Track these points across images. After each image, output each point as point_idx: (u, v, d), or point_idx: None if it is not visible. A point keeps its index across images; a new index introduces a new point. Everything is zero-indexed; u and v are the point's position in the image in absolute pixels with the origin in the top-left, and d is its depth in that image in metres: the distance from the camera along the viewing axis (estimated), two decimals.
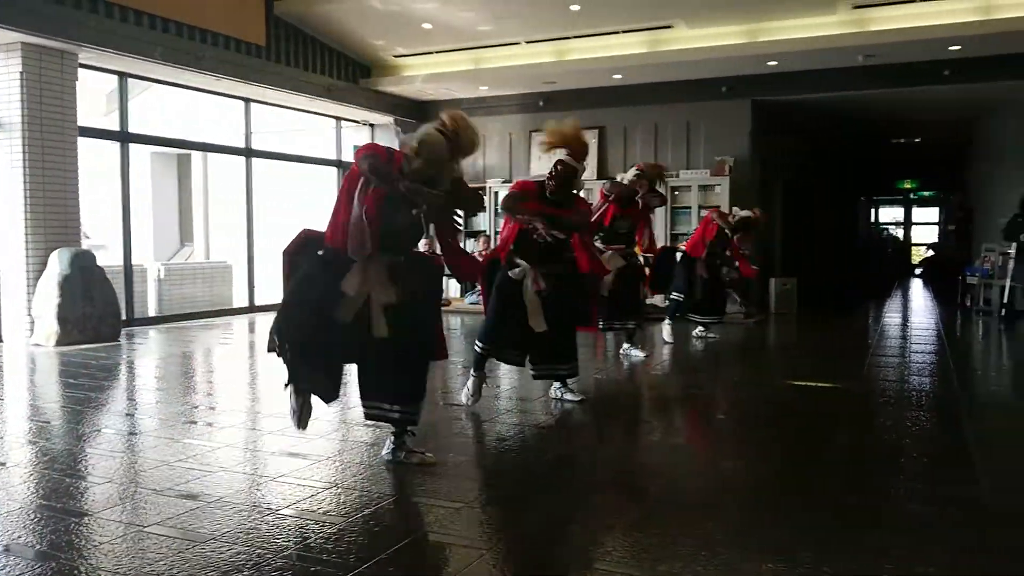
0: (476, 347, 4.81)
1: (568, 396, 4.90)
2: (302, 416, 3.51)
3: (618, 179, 6.59)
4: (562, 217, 4.62)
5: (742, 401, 5.16)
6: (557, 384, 4.95)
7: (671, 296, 7.74)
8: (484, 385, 4.83)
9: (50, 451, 3.92)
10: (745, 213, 8.08)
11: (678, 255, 7.93)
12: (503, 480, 3.46)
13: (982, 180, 12.17)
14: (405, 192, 3.30)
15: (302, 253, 3.52)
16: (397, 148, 3.51)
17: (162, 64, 8.52)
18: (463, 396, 4.80)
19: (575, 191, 4.81)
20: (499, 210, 4.83)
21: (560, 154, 4.67)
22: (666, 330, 7.66)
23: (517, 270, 4.69)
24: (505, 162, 12.10)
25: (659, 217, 10.87)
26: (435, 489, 3.33)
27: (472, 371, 4.81)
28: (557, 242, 4.62)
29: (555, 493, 3.30)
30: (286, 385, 3.49)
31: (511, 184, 5.10)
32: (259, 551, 2.65)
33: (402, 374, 3.53)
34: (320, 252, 3.49)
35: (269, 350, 3.47)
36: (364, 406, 3.61)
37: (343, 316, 3.42)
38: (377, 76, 11.41)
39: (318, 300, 3.39)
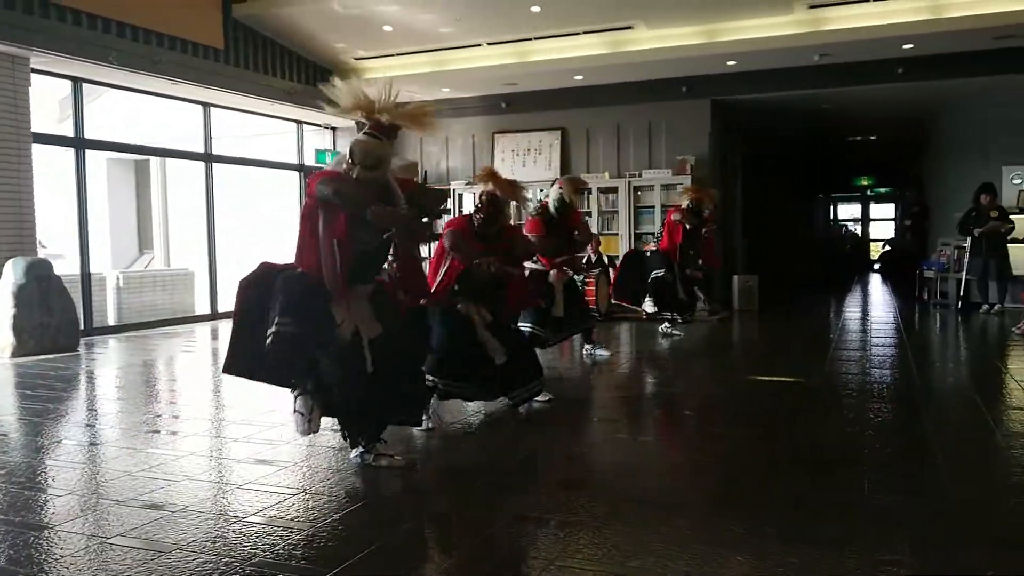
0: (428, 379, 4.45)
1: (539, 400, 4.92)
2: (312, 420, 3.46)
3: (543, 198, 6.52)
4: (508, 252, 4.61)
5: (708, 397, 5.21)
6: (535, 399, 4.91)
7: (653, 275, 7.73)
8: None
9: (7, 464, 3.82)
10: (685, 203, 7.91)
11: (648, 253, 7.93)
12: (471, 481, 3.45)
13: (936, 176, 12.43)
14: (373, 218, 3.26)
15: (258, 286, 3.44)
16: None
17: (117, 68, 8.37)
18: (430, 422, 4.42)
19: (503, 224, 4.74)
20: (448, 249, 4.63)
21: (488, 186, 4.61)
22: (649, 307, 7.70)
23: (461, 307, 4.54)
24: (468, 164, 12.09)
25: (622, 217, 10.96)
26: (403, 494, 3.32)
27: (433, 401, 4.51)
28: (499, 275, 4.57)
29: (523, 493, 3.30)
30: (295, 390, 3.47)
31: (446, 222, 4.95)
32: (226, 559, 2.61)
33: (400, 392, 3.60)
34: (291, 276, 3.41)
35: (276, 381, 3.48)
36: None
37: (341, 340, 3.45)
38: (338, 79, 11.33)
39: (316, 324, 3.36)
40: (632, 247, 8.76)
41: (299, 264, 3.42)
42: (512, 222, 4.96)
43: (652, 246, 8.14)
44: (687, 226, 7.75)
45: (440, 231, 4.63)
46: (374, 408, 3.55)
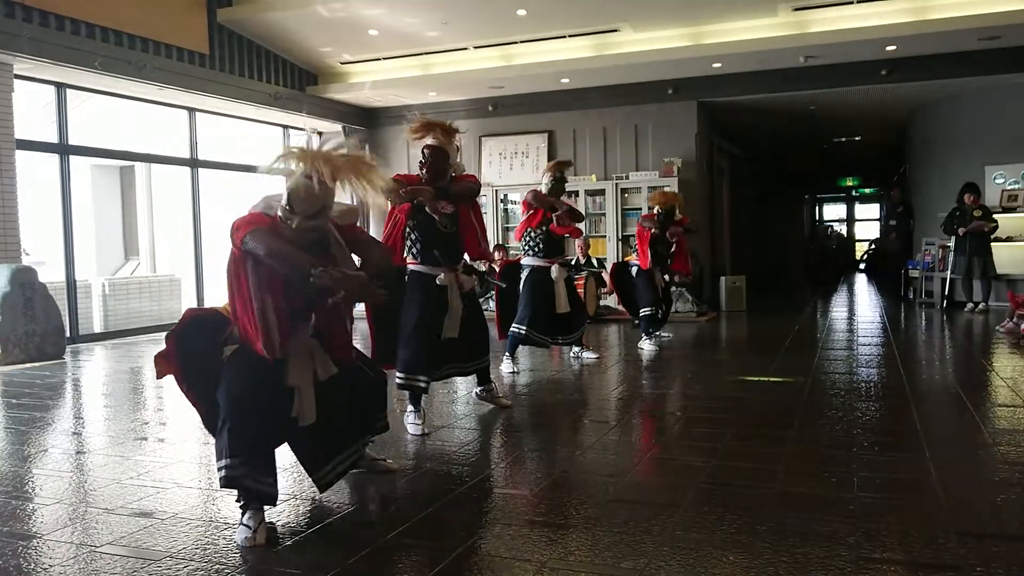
0: (410, 379, 4.40)
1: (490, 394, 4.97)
2: (258, 532, 2.83)
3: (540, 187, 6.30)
4: (445, 190, 4.36)
5: (697, 398, 5.23)
6: (480, 387, 4.95)
7: (642, 313, 7.57)
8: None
9: None
10: (655, 210, 7.70)
11: (633, 270, 7.77)
12: (460, 485, 3.45)
13: (920, 176, 12.53)
14: (322, 283, 2.75)
15: (192, 338, 2.98)
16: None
17: (102, 74, 8.34)
18: (416, 429, 4.38)
19: (452, 174, 4.45)
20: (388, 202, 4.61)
21: (427, 140, 4.36)
22: (647, 345, 7.47)
23: (441, 276, 4.42)
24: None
25: (610, 219, 10.99)
26: (392, 498, 3.31)
27: (414, 404, 4.46)
28: (452, 236, 4.44)
29: (514, 495, 3.30)
30: (242, 505, 2.93)
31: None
32: (217, 566, 2.60)
33: (364, 409, 3.37)
34: (232, 347, 2.98)
35: (225, 484, 2.90)
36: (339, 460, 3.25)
37: (299, 412, 3.03)
38: (324, 83, 11.32)
39: (266, 405, 2.94)
40: (619, 255, 8.46)
41: (235, 322, 2.95)
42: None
43: (633, 257, 7.95)
44: (654, 231, 7.59)
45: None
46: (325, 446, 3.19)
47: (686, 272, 8.15)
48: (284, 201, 2.89)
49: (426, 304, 4.43)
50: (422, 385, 4.40)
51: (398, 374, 4.38)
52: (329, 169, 2.83)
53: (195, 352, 2.98)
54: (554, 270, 6.29)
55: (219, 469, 2.87)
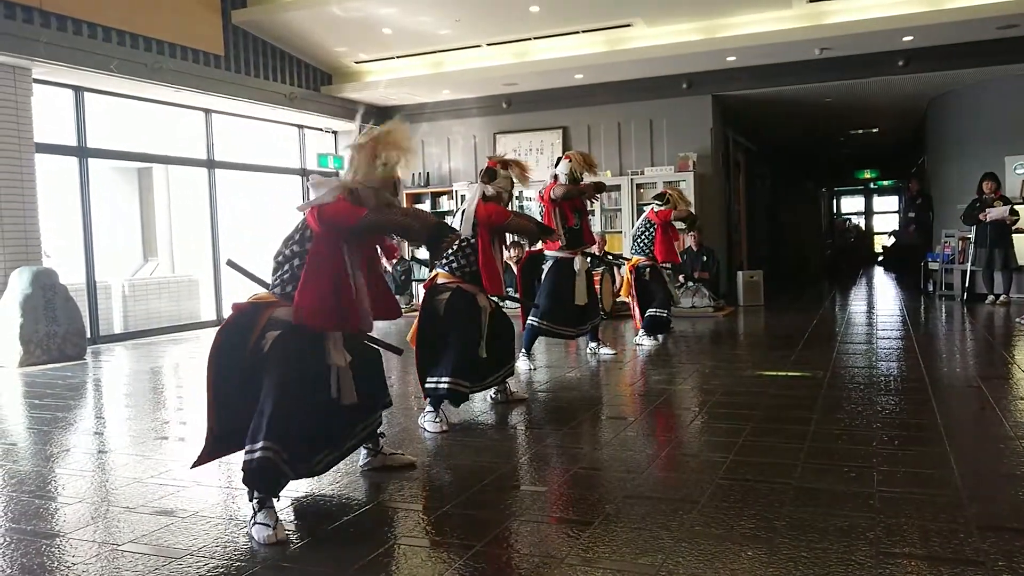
0: (454, 384, 4.42)
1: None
2: (277, 529, 2.83)
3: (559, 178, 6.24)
4: None
5: (714, 393, 5.21)
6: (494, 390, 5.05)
7: (654, 313, 7.54)
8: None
9: (17, 473, 3.84)
10: (663, 207, 7.66)
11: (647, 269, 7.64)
12: (478, 483, 3.46)
13: (939, 167, 12.40)
14: (452, 235, 3.23)
15: (233, 332, 3.04)
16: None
17: (119, 77, 8.41)
18: (435, 427, 4.38)
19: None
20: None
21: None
22: (647, 343, 7.41)
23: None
24: (471, 165, 12.11)
25: (625, 214, 10.95)
26: (411, 495, 3.33)
27: (435, 406, 4.47)
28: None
29: (530, 492, 3.31)
30: (258, 500, 2.92)
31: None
32: (237, 564, 2.62)
33: (368, 395, 3.40)
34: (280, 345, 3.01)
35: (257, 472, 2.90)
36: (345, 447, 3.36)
37: (343, 394, 3.17)
38: (339, 83, 11.36)
39: (313, 391, 3.07)
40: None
41: (303, 306, 3.00)
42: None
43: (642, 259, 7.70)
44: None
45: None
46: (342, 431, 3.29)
47: (674, 260, 8.00)
48: (368, 181, 3.15)
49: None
50: (465, 391, 4.47)
51: (444, 378, 4.38)
52: (394, 150, 3.20)
53: (231, 344, 3.02)
54: (577, 261, 6.28)
55: (252, 452, 2.89)
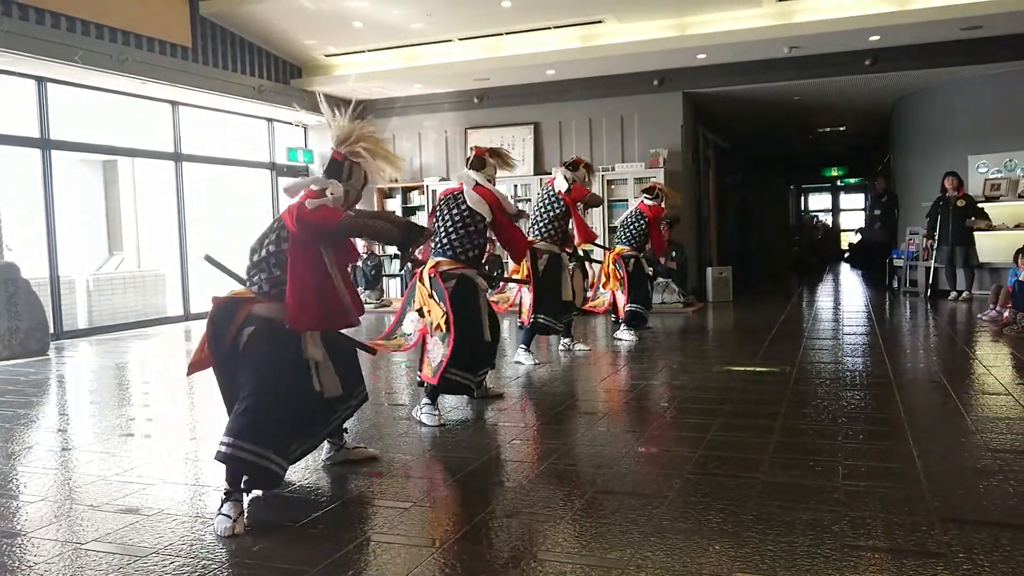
0: (458, 376, 4.50)
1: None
2: (238, 522, 2.86)
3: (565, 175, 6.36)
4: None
5: (683, 388, 5.25)
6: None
7: (634, 308, 7.61)
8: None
9: None
10: (652, 202, 7.79)
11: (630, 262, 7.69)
12: (448, 477, 3.46)
13: (904, 166, 12.59)
14: (428, 236, 3.35)
15: (221, 323, 3.09)
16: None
17: (84, 68, 8.25)
18: (432, 420, 4.40)
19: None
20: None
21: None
22: (627, 338, 7.45)
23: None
24: (441, 160, 12.08)
25: (596, 210, 10.98)
26: (381, 490, 3.31)
27: (434, 399, 4.50)
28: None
29: (501, 488, 3.31)
30: (225, 492, 2.96)
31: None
32: (204, 562, 2.59)
33: (344, 383, 3.43)
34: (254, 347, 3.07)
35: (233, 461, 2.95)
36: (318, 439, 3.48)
37: (326, 388, 3.25)
38: (309, 76, 11.25)
39: (289, 385, 3.11)
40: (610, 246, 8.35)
41: (290, 301, 3.06)
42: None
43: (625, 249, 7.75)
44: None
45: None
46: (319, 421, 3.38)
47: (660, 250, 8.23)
48: (348, 180, 3.24)
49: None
50: (471, 384, 4.61)
51: (453, 369, 4.43)
52: (371, 148, 3.26)
53: (222, 335, 3.08)
54: (564, 257, 6.43)
55: (225, 445, 2.93)
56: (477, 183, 4.72)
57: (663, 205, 7.88)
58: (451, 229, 4.58)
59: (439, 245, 4.59)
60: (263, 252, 3.15)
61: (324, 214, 3.08)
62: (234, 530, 2.82)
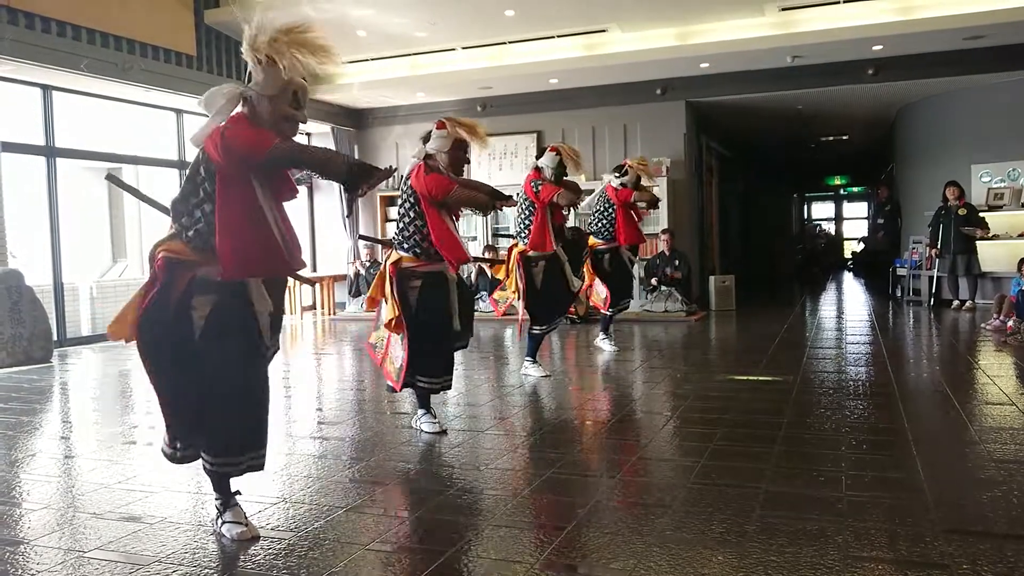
0: (421, 381, 4.32)
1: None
2: (249, 525, 2.89)
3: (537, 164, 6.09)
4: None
5: (685, 397, 5.24)
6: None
7: (620, 306, 7.32)
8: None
9: None
10: (620, 181, 7.09)
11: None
12: (451, 487, 3.45)
13: (907, 175, 12.59)
14: (366, 170, 2.71)
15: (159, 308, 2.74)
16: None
17: (89, 76, 8.28)
18: (433, 427, 4.36)
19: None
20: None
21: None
22: (606, 344, 7.27)
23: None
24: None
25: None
26: (385, 500, 3.31)
27: (426, 406, 4.43)
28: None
29: (503, 497, 3.30)
30: (221, 502, 2.93)
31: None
32: (206, 571, 2.59)
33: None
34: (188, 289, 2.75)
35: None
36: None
37: (266, 340, 2.93)
38: (312, 84, 11.24)
39: (238, 348, 2.80)
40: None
41: (220, 249, 2.69)
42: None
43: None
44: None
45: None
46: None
47: (640, 241, 7.33)
48: (285, 94, 2.82)
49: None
50: (438, 387, 4.35)
51: (429, 378, 4.27)
52: (300, 48, 2.86)
53: (162, 322, 2.72)
54: (560, 252, 6.03)
55: (211, 464, 2.87)
56: (426, 168, 4.25)
57: (633, 185, 7.05)
58: (398, 216, 4.28)
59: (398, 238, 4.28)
60: (188, 188, 2.81)
61: (250, 139, 2.65)
62: (251, 533, 2.81)
